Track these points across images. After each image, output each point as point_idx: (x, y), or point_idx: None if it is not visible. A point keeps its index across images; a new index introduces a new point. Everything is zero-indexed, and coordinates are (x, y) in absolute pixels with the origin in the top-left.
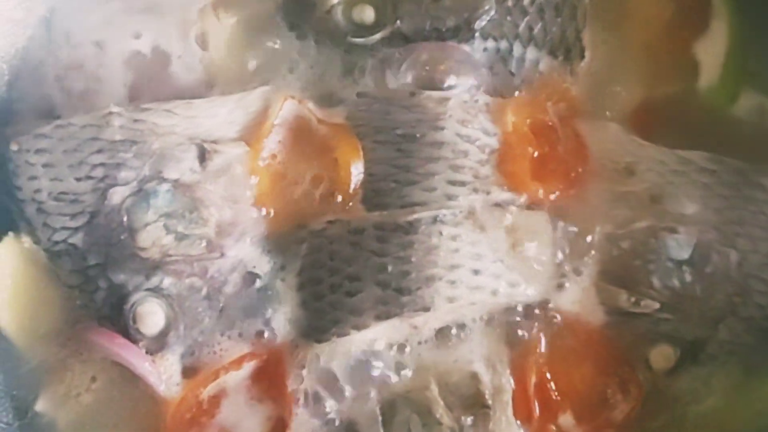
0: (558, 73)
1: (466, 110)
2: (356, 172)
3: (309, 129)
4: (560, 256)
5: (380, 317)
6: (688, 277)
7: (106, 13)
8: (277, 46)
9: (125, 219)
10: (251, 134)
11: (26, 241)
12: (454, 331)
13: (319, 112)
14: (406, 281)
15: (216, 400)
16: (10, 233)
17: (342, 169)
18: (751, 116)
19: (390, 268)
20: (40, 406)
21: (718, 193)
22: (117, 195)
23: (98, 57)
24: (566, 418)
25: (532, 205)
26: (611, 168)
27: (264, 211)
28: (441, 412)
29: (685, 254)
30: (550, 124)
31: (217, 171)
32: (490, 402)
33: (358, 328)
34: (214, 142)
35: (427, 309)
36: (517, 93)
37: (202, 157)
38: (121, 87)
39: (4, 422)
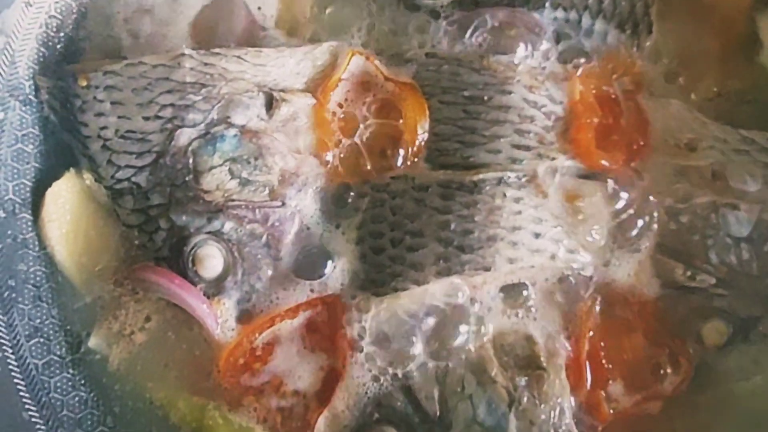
0: (625, 46)
1: (534, 76)
2: (421, 130)
3: (376, 85)
4: (619, 226)
5: (441, 273)
6: (745, 255)
7: None
8: (349, 4)
9: (191, 161)
10: (318, 87)
11: (87, 177)
12: (512, 293)
13: (387, 69)
14: (468, 239)
15: (270, 347)
16: (72, 169)
17: (407, 127)
18: None
19: (453, 226)
20: (92, 342)
21: None
22: (184, 136)
23: (169, 2)
24: (616, 387)
25: (594, 175)
26: (673, 143)
27: (327, 164)
28: (496, 371)
29: (744, 231)
30: (614, 96)
31: (283, 120)
32: (544, 364)
33: (418, 283)
34: (282, 91)
35: (487, 268)
36: (583, 63)
37: (270, 105)
38: (188, 34)
39: (57, 355)
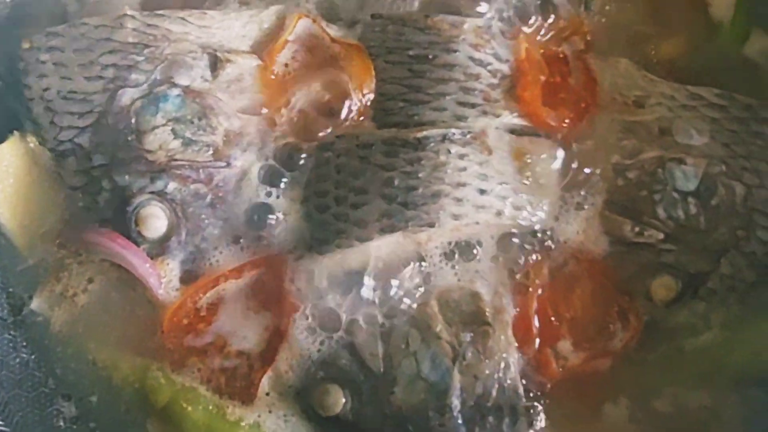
0: (573, 6)
1: (480, 35)
2: (367, 90)
3: (322, 47)
4: (567, 184)
5: (384, 230)
6: (693, 209)
7: None
8: None
9: (133, 121)
10: (264, 49)
11: (31, 140)
12: (458, 251)
13: (333, 31)
14: (412, 196)
15: (214, 307)
16: (15, 132)
17: (353, 87)
18: (761, 57)
19: (397, 182)
20: (35, 304)
21: (726, 128)
22: (126, 96)
23: None
24: (564, 344)
25: (541, 132)
26: (621, 101)
27: (273, 124)
28: (440, 327)
29: (691, 186)
30: (563, 55)
31: (228, 81)
32: (490, 320)
33: (361, 240)
34: (227, 52)
35: (432, 225)
36: (531, 23)
37: (214, 66)
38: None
39: None
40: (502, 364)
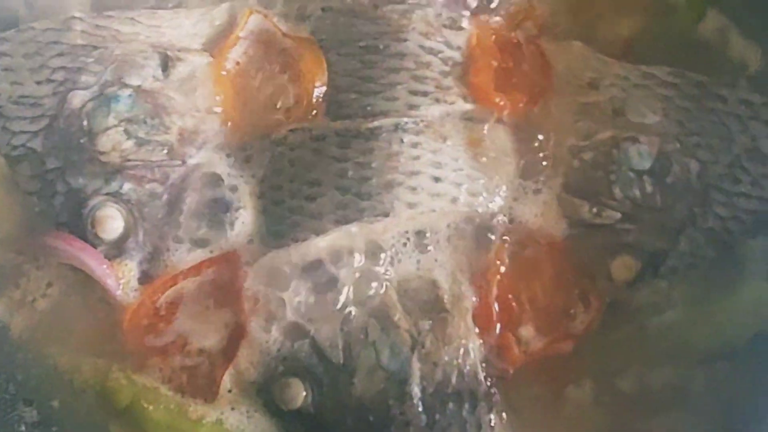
0: None
1: (430, 23)
2: (320, 83)
3: (274, 42)
4: (523, 168)
5: (339, 222)
6: (649, 188)
7: None
8: None
9: (85, 123)
10: (216, 46)
11: None
12: (415, 239)
13: (285, 26)
14: (367, 186)
15: (173, 306)
16: None
17: (306, 81)
18: (714, 35)
19: (350, 173)
20: None
21: (679, 105)
22: (77, 98)
23: None
24: (527, 329)
25: (495, 118)
26: (575, 84)
27: (227, 121)
28: (399, 316)
29: (646, 164)
30: (515, 41)
31: (180, 80)
32: (448, 307)
33: (317, 232)
34: (178, 51)
35: (386, 214)
36: (482, 8)
37: (165, 65)
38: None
39: None
40: (462, 351)
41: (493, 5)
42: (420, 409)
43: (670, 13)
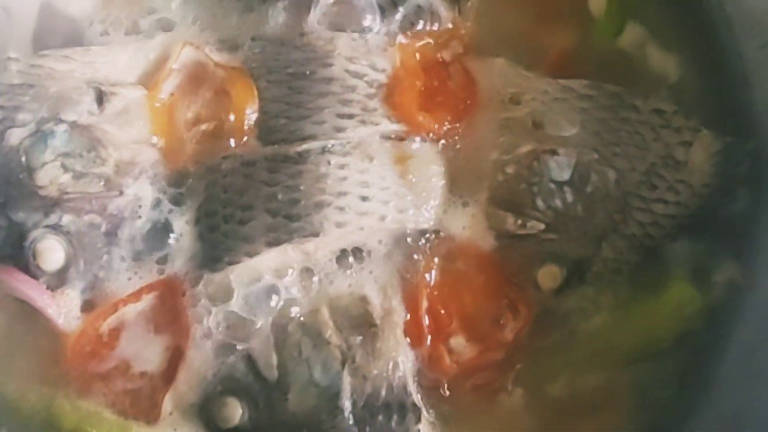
0: (447, 12)
1: (355, 48)
2: (251, 111)
3: (206, 72)
4: (449, 183)
5: (271, 243)
6: (569, 197)
7: None
8: None
9: (23, 159)
10: (150, 79)
11: None
12: (346, 257)
13: (218, 56)
14: (296, 208)
15: (115, 332)
16: None
17: (237, 109)
18: (633, 47)
19: (280, 197)
20: None
21: (596, 117)
22: (15, 136)
23: (4, 19)
24: (457, 340)
25: (421, 136)
26: (498, 99)
27: (163, 151)
28: (330, 333)
29: (565, 175)
30: (440, 60)
31: (115, 113)
32: (378, 322)
33: (249, 255)
34: (113, 85)
35: (316, 234)
36: (407, 31)
37: (100, 99)
38: (28, 39)
39: None
40: (391, 364)
41: (418, 27)
42: (351, 422)
43: (590, 27)
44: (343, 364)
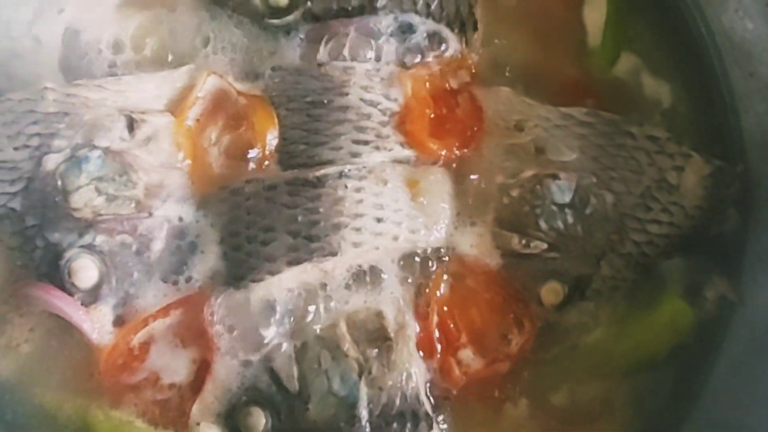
0: (456, 43)
1: (369, 77)
2: (271, 137)
3: (229, 100)
4: (458, 205)
5: (292, 262)
6: (570, 219)
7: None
8: (202, 28)
9: (59, 183)
10: (177, 106)
11: None
12: (362, 275)
13: (240, 85)
14: (315, 229)
15: (145, 346)
16: None
17: (259, 135)
18: (628, 76)
19: (300, 218)
20: None
21: (594, 143)
22: (51, 162)
23: (36, 49)
24: (466, 352)
25: (431, 161)
26: (503, 126)
27: (189, 174)
28: (348, 346)
29: (566, 198)
30: (449, 89)
31: (145, 139)
32: (392, 335)
33: (272, 273)
34: (142, 113)
35: (334, 253)
36: (417, 62)
37: (131, 126)
38: (57, 69)
39: None
40: (405, 375)
41: (428, 59)
42: (367, 430)
43: (588, 57)
44: (360, 376)
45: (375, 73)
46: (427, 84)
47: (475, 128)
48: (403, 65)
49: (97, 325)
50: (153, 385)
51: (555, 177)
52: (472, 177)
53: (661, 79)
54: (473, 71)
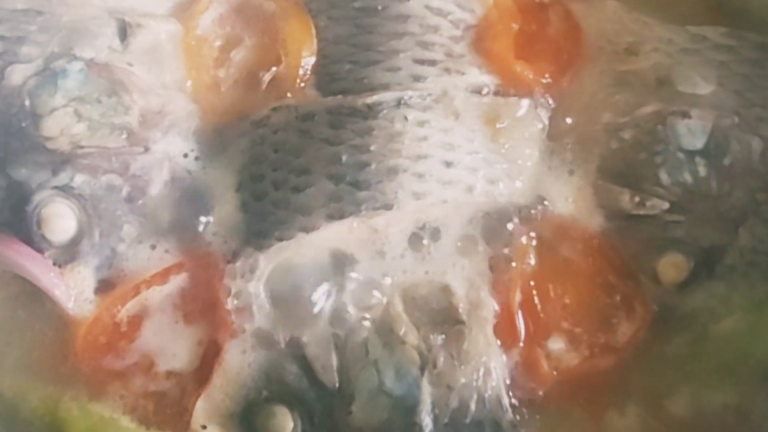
0: None
1: None
2: (308, 53)
3: (254, 5)
4: (550, 150)
5: (333, 216)
6: (702, 171)
7: None
8: None
9: (27, 103)
10: (185, 11)
11: None
12: (423, 237)
13: None
14: (364, 174)
15: (136, 320)
16: None
17: (291, 51)
18: None
19: (344, 159)
20: None
21: (737, 72)
22: (17, 74)
23: None
24: (557, 342)
25: (517, 91)
26: (610, 50)
27: (198, 100)
28: (405, 330)
29: (698, 143)
30: (539, 1)
31: (142, 51)
32: (464, 317)
33: (306, 229)
34: (140, 17)
35: (389, 207)
36: None
37: (124, 33)
38: None
39: None
40: (482, 370)
41: None
42: None
43: None
44: (422, 370)
45: None
46: None
47: (572, 51)
48: None
49: (73, 291)
50: (145, 372)
51: (684, 115)
52: (570, 114)
53: None
54: None
